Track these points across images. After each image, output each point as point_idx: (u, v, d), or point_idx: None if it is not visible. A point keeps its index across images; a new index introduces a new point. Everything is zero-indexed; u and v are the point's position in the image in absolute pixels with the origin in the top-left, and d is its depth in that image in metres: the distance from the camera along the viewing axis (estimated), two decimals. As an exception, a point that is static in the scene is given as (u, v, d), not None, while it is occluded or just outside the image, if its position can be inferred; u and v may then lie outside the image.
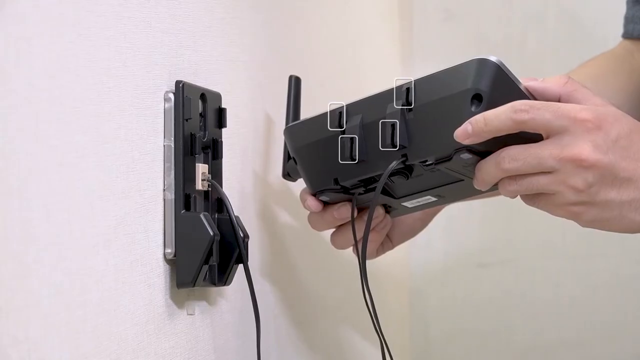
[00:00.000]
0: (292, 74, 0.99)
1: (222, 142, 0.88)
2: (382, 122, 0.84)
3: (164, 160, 0.82)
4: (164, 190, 0.82)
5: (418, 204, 0.92)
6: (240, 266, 0.87)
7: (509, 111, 0.79)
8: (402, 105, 0.83)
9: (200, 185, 0.84)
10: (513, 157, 0.80)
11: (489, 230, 1.54)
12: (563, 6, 1.51)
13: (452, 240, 1.56)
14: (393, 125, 0.83)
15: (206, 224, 0.81)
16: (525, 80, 0.83)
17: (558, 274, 1.51)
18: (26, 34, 0.64)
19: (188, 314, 0.85)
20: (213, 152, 0.87)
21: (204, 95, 0.86)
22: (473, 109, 0.80)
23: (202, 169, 0.84)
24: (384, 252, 1.01)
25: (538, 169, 0.80)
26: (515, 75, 0.82)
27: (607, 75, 1.13)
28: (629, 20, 1.13)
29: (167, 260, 0.82)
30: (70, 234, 0.68)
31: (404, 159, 0.83)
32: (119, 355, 0.74)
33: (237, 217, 0.86)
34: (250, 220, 0.97)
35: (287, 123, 0.95)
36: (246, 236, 0.86)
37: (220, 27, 0.93)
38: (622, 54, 1.14)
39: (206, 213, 0.83)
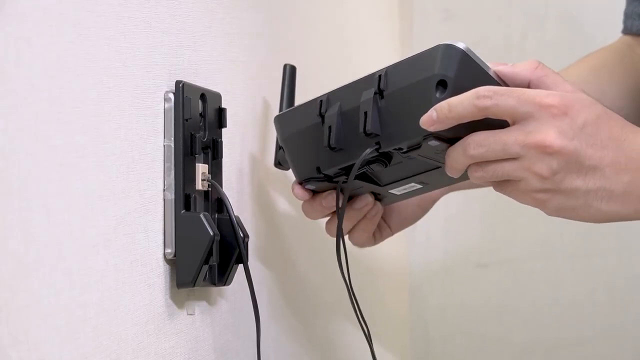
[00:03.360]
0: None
1: (222, 142, 0.88)
2: (356, 110, 0.83)
3: (164, 160, 0.82)
4: (164, 190, 0.82)
5: (405, 191, 0.92)
6: (240, 266, 0.87)
7: (472, 97, 0.78)
8: (375, 93, 0.83)
9: (200, 185, 0.84)
10: (478, 143, 0.79)
11: (488, 229, 1.54)
12: (563, 6, 1.51)
13: (452, 239, 1.56)
14: (366, 113, 0.83)
15: (206, 224, 0.81)
16: (494, 65, 0.82)
17: (557, 274, 1.51)
18: (26, 34, 0.64)
19: (188, 314, 0.85)
20: (213, 152, 0.87)
21: (204, 95, 0.86)
22: (438, 95, 0.79)
23: (202, 169, 0.84)
24: (382, 239, 1.01)
25: (503, 155, 0.79)
26: (484, 61, 0.81)
27: (608, 68, 1.13)
28: (628, 16, 1.13)
29: (167, 260, 0.82)
30: (70, 234, 0.68)
31: (377, 146, 0.83)
32: (119, 355, 0.74)
33: (237, 217, 0.86)
34: (250, 220, 0.97)
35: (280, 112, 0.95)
36: (246, 236, 0.86)
37: (220, 27, 0.93)
38: (623, 48, 1.14)
39: (206, 213, 0.83)
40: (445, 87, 0.79)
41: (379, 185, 0.90)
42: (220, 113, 0.88)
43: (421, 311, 1.57)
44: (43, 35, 0.66)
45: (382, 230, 1.00)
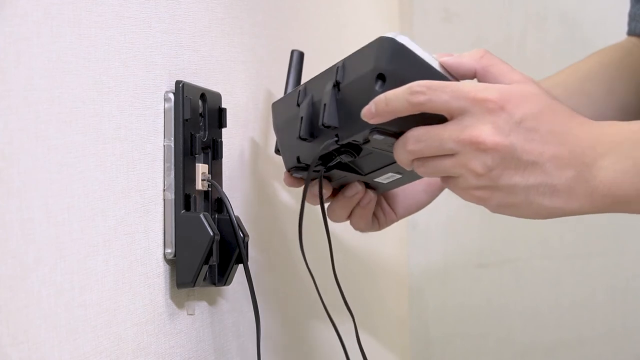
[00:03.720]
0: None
1: (222, 142, 0.88)
2: (319, 102, 0.83)
3: (164, 160, 0.82)
4: (164, 190, 0.82)
5: (388, 180, 0.91)
6: (240, 266, 0.87)
7: (405, 93, 0.76)
8: (333, 85, 0.82)
9: (200, 185, 0.84)
10: (417, 138, 0.77)
11: (488, 230, 1.54)
12: (563, 6, 1.51)
13: (452, 240, 1.57)
14: (325, 105, 0.82)
15: (206, 224, 0.81)
16: (440, 57, 0.80)
17: (558, 274, 1.51)
18: (26, 34, 0.64)
19: (188, 314, 0.85)
20: (213, 152, 0.87)
21: (204, 95, 0.86)
22: (377, 87, 0.78)
23: (202, 169, 0.84)
24: (387, 224, 0.99)
25: (440, 152, 0.77)
26: (429, 53, 0.80)
27: (616, 64, 1.12)
28: (632, 17, 1.13)
29: (167, 260, 0.82)
30: (70, 234, 0.68)
31: (336, 139, 0.82)
32: (118, 355, 0.74)
33: (237, 217, 0.86)
34: (250, 220, 0.97)
35: None
36: (246, 236, 0.86)
37: (220, 27, 0.93)
38: (629, 47, 1.14)
39: (206, 213, 0.83)
40: (384, 80, 0.78)
41: (361, 175, 0.90)
42: (220, 113, 0.88)
43: (421, 312, 1.57)
44: (43, 35, 0.66)
45: (386, 215, 1.00)
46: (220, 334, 0.91)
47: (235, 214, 0.86)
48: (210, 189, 0.86)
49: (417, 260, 1.58)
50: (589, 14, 1.50)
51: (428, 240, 1.57)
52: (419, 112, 0.76)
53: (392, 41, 0.78)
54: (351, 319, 0.93)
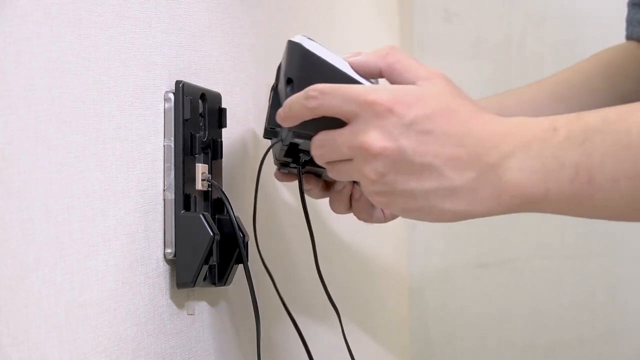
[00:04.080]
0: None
1: (222, 142, 0.88)
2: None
3: (164, 160, 0.82)
4: (164, 190, 0.82)
5: None
6: (240, 266, 0.87)
7: (302, 98, 0.75)
8: (272, 88, 0.82)
9: (200, 185, 0.84)
10: (319, 143, 0.77)
11: (488, 230, 1.54)
12: (563, 6, 1.51)
13: (452, 240, 1.57)
14: (270, 107, 0.82)
15: (206, 224, 0.81)
16: (348, 57, 0.79)
17: (558, 274, 1.51)
18: (26, 34, 0.64)
19: (188, 314, 0.85)
20: (213, 152, 0.87)
21: (204, 95, 0.86)
22: (288, 91, 0.78)
23: (202, 169, 0.84)
24: (393, 216, 0.99)
25: (339, 157, 0.76)
26: (337, 53, 0.79)
27: (617, 64, 1.13)
28: (629, 22, 1.14)
29: (167, 260, 0.82)
30: (70, 234, 0.68)
31: (282, 139, 0.82)
32: (118, 355, 0.74)
33: (237, 217, 0.86)
34: (250, 220, 0.97)
35: None
36: (246, 236, 0.86)
37: (220, 27, 0.93)
38: (629, 48, 1.15)
39: (206, 213, 0.83)
40: (292, 84, 0.78)
41: None
42: (220, 113, 0.88)
43: (421, 312, 1.57)
44: (43, 35, 0.66)
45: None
46: (220, 334, 0.91)
47: (235, 214, 0.86)
48: (210, 189, 0.86)
49: (417, 260, 1.58)
50: (589, 14, 1.50)
51: (428, 240, 1.57)
52: (318, 116, 0.76)
53: (296, 45, 0.78)
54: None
